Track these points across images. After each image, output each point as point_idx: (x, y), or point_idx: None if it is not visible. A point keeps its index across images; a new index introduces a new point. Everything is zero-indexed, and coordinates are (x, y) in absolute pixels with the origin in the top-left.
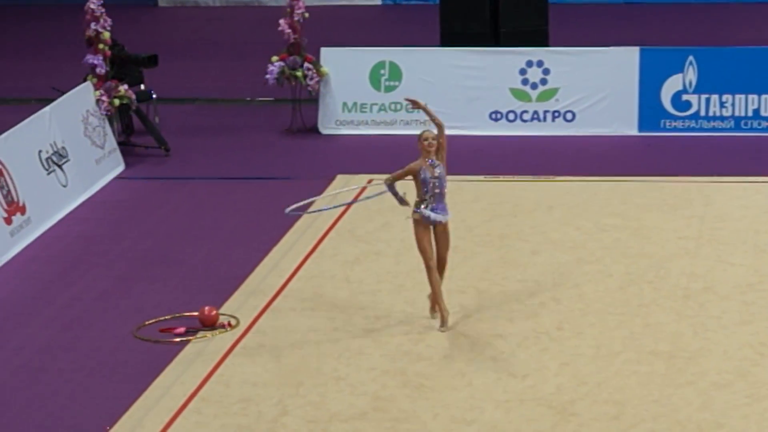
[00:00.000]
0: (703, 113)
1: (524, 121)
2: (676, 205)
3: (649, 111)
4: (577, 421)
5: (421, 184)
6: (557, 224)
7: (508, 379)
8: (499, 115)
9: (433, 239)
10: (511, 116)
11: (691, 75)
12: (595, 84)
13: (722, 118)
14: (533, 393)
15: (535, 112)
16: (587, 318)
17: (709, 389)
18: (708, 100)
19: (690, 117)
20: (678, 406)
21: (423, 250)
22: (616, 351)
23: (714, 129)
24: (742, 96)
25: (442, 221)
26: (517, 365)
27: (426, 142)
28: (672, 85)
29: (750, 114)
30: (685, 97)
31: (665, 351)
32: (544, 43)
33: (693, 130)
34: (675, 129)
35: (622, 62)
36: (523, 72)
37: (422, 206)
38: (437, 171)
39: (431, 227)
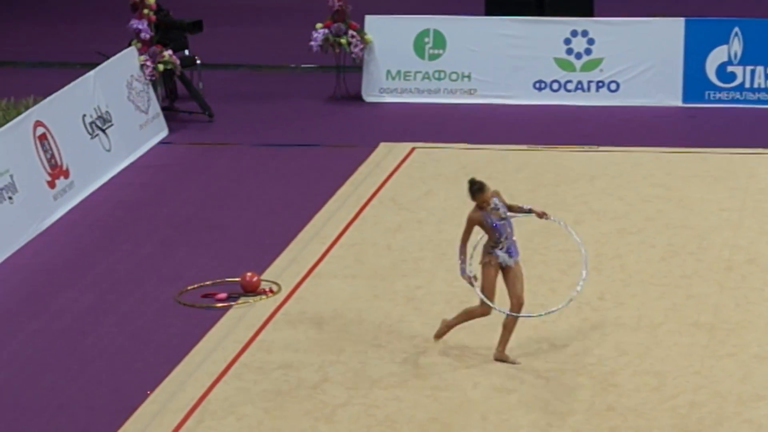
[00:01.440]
0: (747, 85)
1: (568, 90)
2: (719, 177)
3: (694, 82)
4: (617, 392)
5: (492, 230)
6: (600, 194)
7: (548, 348)
8: (543, 85)
9: (505, 281)
10: (555, 86)
11: (736, 46)
12: (639, 54)
13: (767, 90)
14: (574, 363)
15: (579, 82)
16: (629, 289)
17: (750, 361)
18: (753, 72)
19: (735, 89)
20: (719, 377)
21: (490, 293)
22: (657, 322)
23: (759, 101)
24: None
25: (512, 264)
26: (558, 335)
27: (485, 202)
28: (717, 57)
29: None
30: (729, 68)
31: (707, 322)
32: (588, 12)
33: (737, 101)
34: (719, 100)
35: (667, 33)
36: (567, 42)
37: (497, 249)
38: (502, 212)
39: (501, 270)
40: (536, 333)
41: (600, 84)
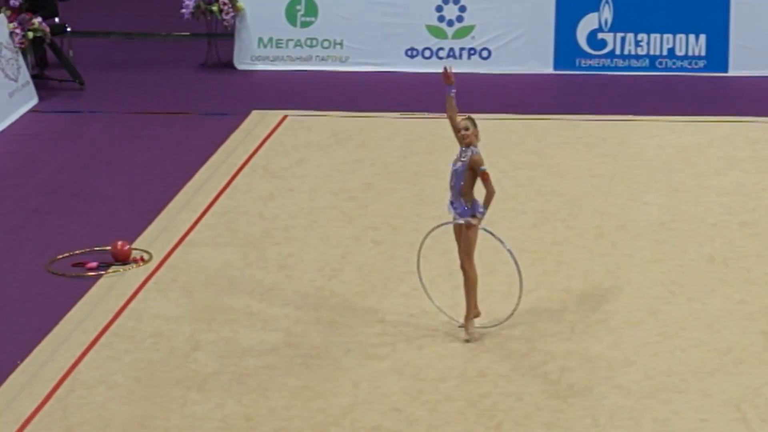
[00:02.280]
0: (618, 52)
1: (440, 58)
2: (590, 144)
3: (565, 49)
4: (488, 358)
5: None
6: None
7: (420, 315)
8: (415, 52)
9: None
10: (427, 53)
11: (606, 13)
12: (511, 21)
13: (637, 57)
14: (446, 329)
15: (451, 49)
16: (500, 255)
17: (620, 327)
18: (623, 39)
19: (605, 56)
20: (589, 343)
21: (473, 256)
22: (528, 288)
23: (629, 68)
24: (657, 35)
25: (454, 222)
26: (430, 303)
27: (459, 134)
28: (588, 24)
29: (665, 53)
30: (600, 35)
31: (577, 289)
32: None
33: (608, 68)
34: (590, 68)
35: (538, 0)
36: (439, 9)
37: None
38: (458, 164)
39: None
40: (408, 300)
41: (472, 51)
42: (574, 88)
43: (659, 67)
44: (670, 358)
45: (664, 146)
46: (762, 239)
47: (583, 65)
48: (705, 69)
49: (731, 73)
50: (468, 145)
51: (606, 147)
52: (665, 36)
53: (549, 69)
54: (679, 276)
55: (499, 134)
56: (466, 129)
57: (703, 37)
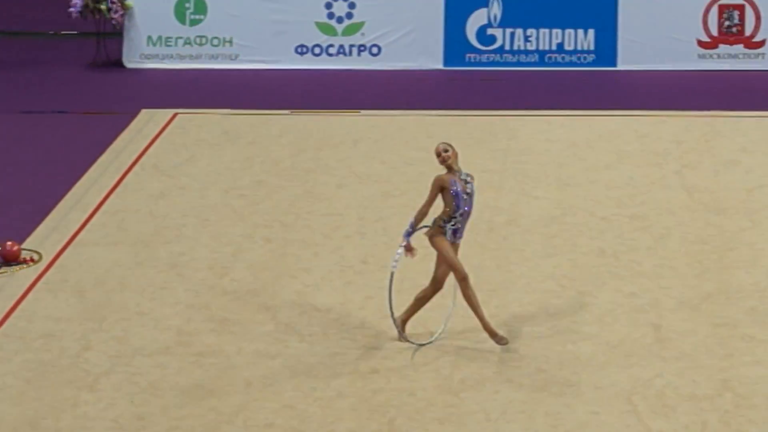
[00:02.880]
0: (507, 47)
1: (330, 55)
2: (480, 139)
3: (454, 45)
4: (381, 355)
5: (452, 199)
6: (363, 158)
7: (312, 312)
8: (305, 49)
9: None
10: (317, 50)
11: (495, 9)
12: (400, 18)
13: (526, 52)
14: (337, 326)
15: (341, 46)
16: (392, 251)
17: (512, 321)
18: (512, 34)
19: (495, 51)
20: (480, 338)
21: (454, 263)
22: (420, 284)
23: (518, 63)
24: (547, 30)
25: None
26: (322, 299)
27: (440, 157)
28: (477, 19)
29: (554, 48)
30: (489, 31)
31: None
32: None
33: (497, 64)
34: (480, 63)
35: None
36: (329, 6)
37: (448, 224)
38: (469, 188)
39: None
40: (300, 298)
41: (362, 48)
42: (464, 84)
43: (548, 62)
44: (561, 352)
45: (554, 141)
46: (651, 232)
47: (473, 61)
48: (594, 63)
49: (620, 67)
50: (450, 167)
51: (496, 142)
52: (554, 31)
53: (439, 65)
54: (569, 270)
55: (390, 130)
56: (446, 150)
57: (591, 32)
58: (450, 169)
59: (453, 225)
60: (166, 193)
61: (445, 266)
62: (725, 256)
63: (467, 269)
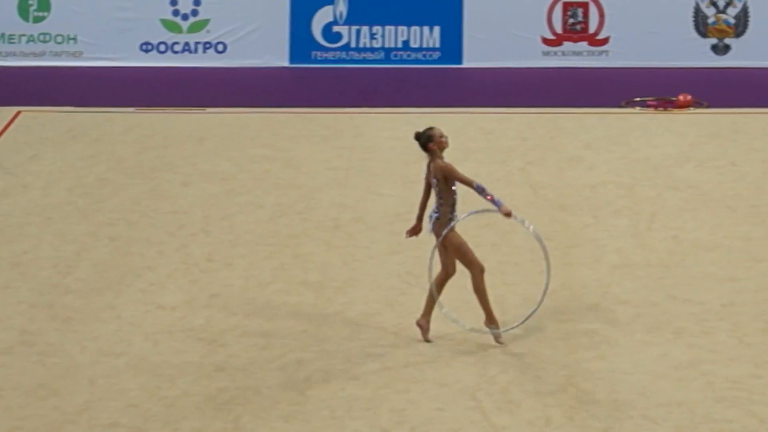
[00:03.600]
0: (353, 45)
1: (175, 52)
2: (326, 137)
3: (300, 42)
4: (226, 353)
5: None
6: (208, 156)
7: (156, 311)
8: (150, 47)
9: (438, 253)
10: (162, 47)
11: (341, 6)
12: (246, 15)
13: (372, 50)
14: (182, 324)
15: (186, 44)
16: (237, 249)
17: (358, 318)
18: (358, 32)
19: (341, 48)
20: (327, 335)
21: (473, 257)
22: (266, 282)
23: (364, 60)
24: (392, 27)
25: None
26: (167, 297)
27: (439, 141)
28: (323, 17)
29: (399, 45)
30: (335, 28)
31: (315, 281)
32: None
33: (344, 61)
34: (326, 60)
35: None
36: (173, 3)
37: (454, 214)
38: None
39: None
40: (145, 296)
41: (207, 45)
42: (310, 81)
43: (394, 59)
44: (406, 349)
45: (400, 138)
46: (495, 229)
47: (319, 58)
48: (439, 61)
49: (465, 64)
50: (439, 155)
51: (342, 139)
52: (400, 28)
53: (285, 62)
54: (415, 267)
55: (235, 128)
56: (442, 136)
57: (437, 29)
58: (437, 156)
59: (453, 214)
60: (9, 192)
61: (458, 256)
62: (569, 252)
63: (315, 266)
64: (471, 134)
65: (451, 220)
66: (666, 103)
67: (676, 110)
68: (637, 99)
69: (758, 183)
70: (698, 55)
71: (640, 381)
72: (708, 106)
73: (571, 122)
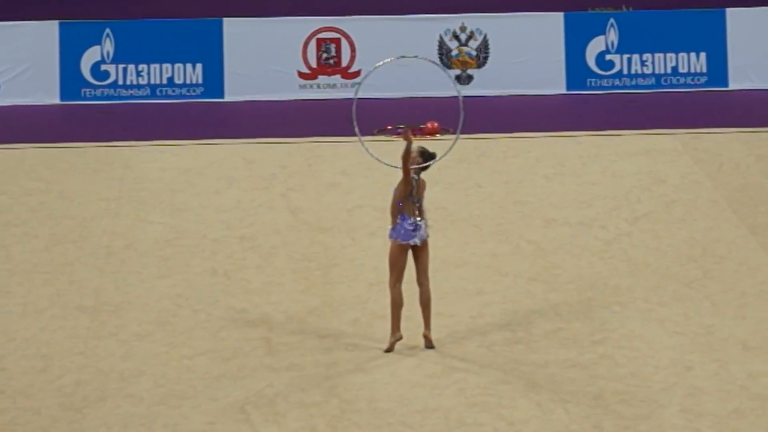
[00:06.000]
0: (121, 82)
1: None
2: (97, 169)
3: (70, 81)
4: (5, 376)
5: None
6: None
7: None
8: None
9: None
10: None
11: (108, 46)
12: (17, 56)
13: (139, 86)
14: None
15: None
16: (15, 278)
17: (131, 339)
18: (125, 70)
19: (109, 86)
20: (102, 356)
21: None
22: (42, 308)
23: (132, 96)
24: (158, 65)
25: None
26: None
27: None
28: (91, 56)
29: (164, 82)
30: (104, 67)
31: (89, 305)
32: None
33: (112, 98)
34: (95, 97)
35: (41, 36)
36: None
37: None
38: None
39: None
40: None
41: None
42: (80, 117)
43: (160, 95)
44: (178, 367)
45: (167, 169)
46: (260, 251)
47: (88, 95)
48: (203, 95)
49: (227, 98)
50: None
51: (112, 171)
52: (164, 66)
53: (56, 99)
54: (184, 289)
55: (10, 163)
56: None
57: (199, 66)
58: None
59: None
60: None
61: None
62: (329, 271)
63: (89, 291)
64: (233, 163)
65: None
66: (415, 130)
67: (424, 137)
68: (388, 127)
69: (502, 203)
70: (444, 85)
71: (397, 390)
72: (454, 133)
73: (327, 150)
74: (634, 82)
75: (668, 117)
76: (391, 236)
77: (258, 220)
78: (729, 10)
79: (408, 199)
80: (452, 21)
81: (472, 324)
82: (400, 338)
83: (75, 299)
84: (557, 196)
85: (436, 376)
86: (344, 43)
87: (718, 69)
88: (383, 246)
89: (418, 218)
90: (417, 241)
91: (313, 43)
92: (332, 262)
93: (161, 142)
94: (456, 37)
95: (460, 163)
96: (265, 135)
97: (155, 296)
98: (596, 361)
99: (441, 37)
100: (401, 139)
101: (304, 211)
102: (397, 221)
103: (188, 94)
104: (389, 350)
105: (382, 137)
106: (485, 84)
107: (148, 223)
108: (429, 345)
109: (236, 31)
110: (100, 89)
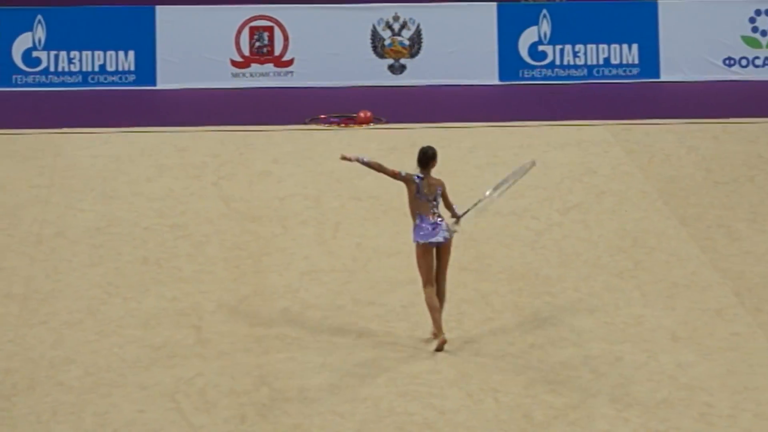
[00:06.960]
0: (52, 69)
1: None
2: (28, 156)
3: (1, 67)
4: None
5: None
6: None
7: None
8: None
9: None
10: None
11: (40, 33)
12: None
13: (71, 73)
14: None
15: None
16: None
17: (61, 327)
18: (57, 56)
19: (41, 72)
20: (31, 344)
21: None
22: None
23: (63, 83)
24: (89, 52)
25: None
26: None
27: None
28: (22, 43)
29: (96, 69)
30: (35, 53)
31: (19, 293)
32: None
33: (43, 84)
34: (26, 84)
35: None
36: None
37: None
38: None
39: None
40: None
41: None
42: (11, 104)
43: (92, 82)
44: (108, 355)
45: (98, 156)
46: (191, 240)
47: (20, 82)
48: (135, 83)
49: (159, 86)
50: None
51: (43, 159)
52: (96, 53)
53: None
54: (115, 277)
55: None
56: None
57: (131, 53)
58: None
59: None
60: None
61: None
62: (260, 260)
63: (19, 279)
64: (165, 151)
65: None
66: (347, 119)
67: (357, 126)
68: (321, 116)
69: None
70: (376, 74)
71: (328, 379)
72: (386, 122)
73: (259, 139)
74: (566, 73)
75: (600, 108)
76: (413, 239)
77: (190, 208)
78: (661, 2)
79: (419, 198)
80: (385, 10)
81: (403, 313)
82: (445, 341)
83: (5, 287)
84: (489, 186)
85: (366, 366)
86: (277, 32)
87: (649, 60)
88: (315, 235)
89: (439, 218)
90: (440, 239)
91: (246, 32)
92: (263, 250)
93: (93, 130)
94: (389, 26)
95: (392, 152)
96: (197, 123)
97: (86, 284)
98: (526, 351)
99: (374, 27)
100: (334, 126)
101: (235, 200)
102: (416, 222)
103: (120, 81)
104: (439, 349)
105: (314, 126)
106: (418, 74)
107: (79, 210)
108: (439, 348)
109: (169, 18)
110: (32, 76)
